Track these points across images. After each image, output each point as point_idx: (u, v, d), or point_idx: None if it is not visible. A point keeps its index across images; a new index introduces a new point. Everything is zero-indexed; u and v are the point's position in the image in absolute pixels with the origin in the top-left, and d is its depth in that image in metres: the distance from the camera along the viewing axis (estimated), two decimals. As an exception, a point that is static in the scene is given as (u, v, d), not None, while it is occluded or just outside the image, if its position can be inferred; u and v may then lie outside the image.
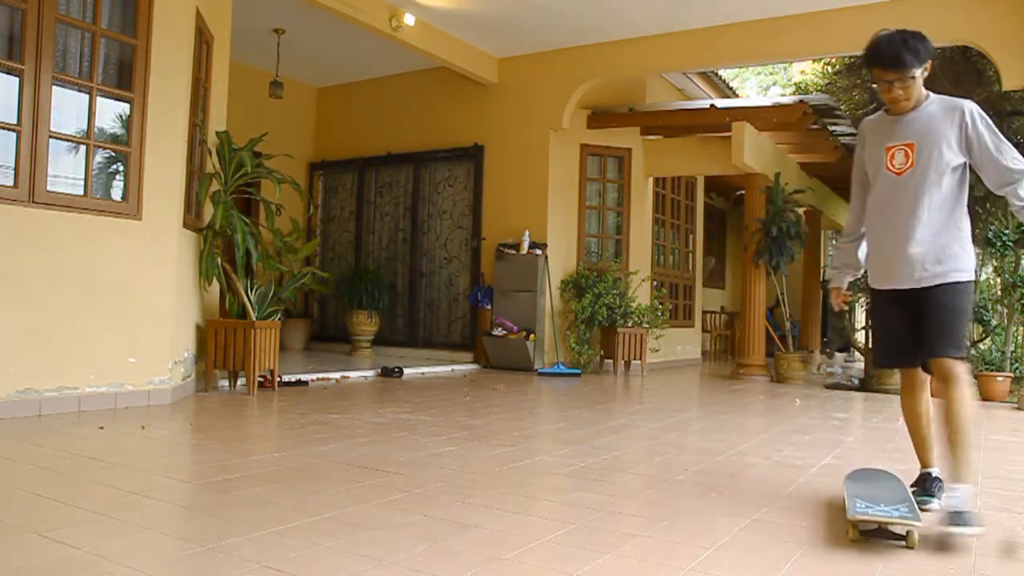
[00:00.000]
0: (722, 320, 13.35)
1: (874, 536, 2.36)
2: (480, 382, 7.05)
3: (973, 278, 2.69)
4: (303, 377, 6.36)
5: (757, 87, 16.88)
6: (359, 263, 9.94)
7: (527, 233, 8.50)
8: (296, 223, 6.38)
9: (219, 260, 5.49)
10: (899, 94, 2.72)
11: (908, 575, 2.07)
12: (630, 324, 8.31)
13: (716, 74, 10.97)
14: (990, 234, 8.05)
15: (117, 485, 2.75)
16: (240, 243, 5.36)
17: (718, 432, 4.50)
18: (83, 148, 4.48)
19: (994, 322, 8.10)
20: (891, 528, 2.37)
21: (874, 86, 2.85)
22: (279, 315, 5.76)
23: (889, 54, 2.78)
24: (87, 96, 4.45)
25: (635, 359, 8.40)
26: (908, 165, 2.70)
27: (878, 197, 2.79)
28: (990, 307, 8.18)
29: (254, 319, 5.44)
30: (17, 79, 4.09)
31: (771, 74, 16.51)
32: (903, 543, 2.31)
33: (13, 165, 4.09)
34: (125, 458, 3.27)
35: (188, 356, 5.26)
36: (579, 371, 8.08)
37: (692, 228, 11.08)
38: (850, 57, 9.38)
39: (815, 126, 8.54)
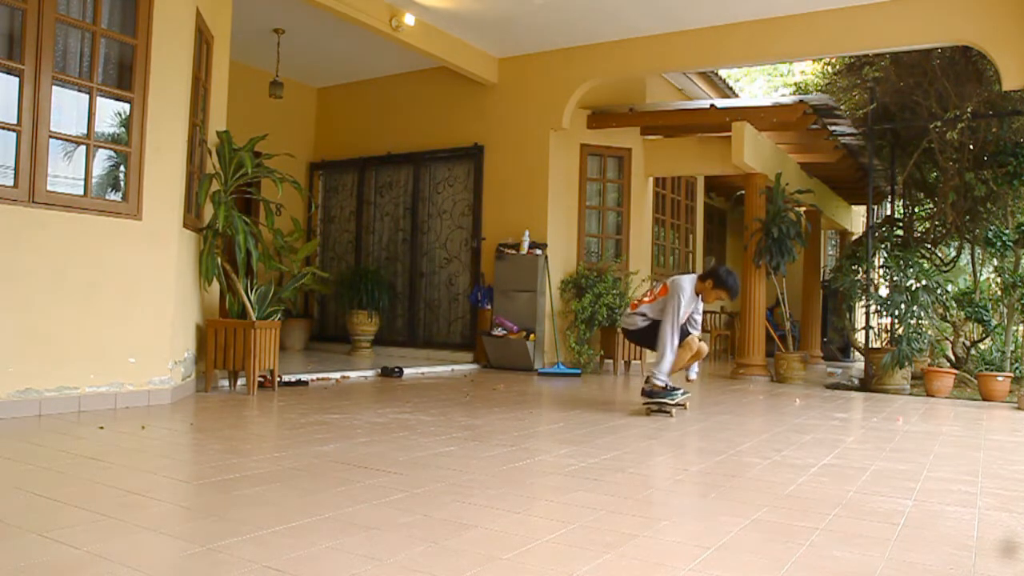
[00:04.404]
0: (722, 320, 13.34)
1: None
2: (480, 382, 7.05)
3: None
4: (303, 377, 6.36)
5: (766, 86, 16.84)
6: (359, 263, 9.95)
7: (527, 233, 8.50)
8: (296, 223, 6.38)
9: (219, 260, 5.49)
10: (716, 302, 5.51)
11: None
12: (630, 324, 8.30)
13: (716, 74, 10.98)
14: (990, 234, 8.06)
15: (117, 485, 2.75)
16: (241, 243, 5.35)
17: (718, 432, 4.50)
18: (83, 148, 4.48)
19: (994, 322, 8.10)
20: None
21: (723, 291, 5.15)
22: (279, 315, 5.76)
23: (737, 291, 5.23)
24: (87, 96, 4.45)
25: (635, 359, 8.41)
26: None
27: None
28: (990, 307, 8.17)
29: (254, 319, 5.44)
30: (17, 79, 4.09)
31: (780, 75, 16.49)
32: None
33: (13, 165, 4.09)
34: (125, 458, 3.27)
35: (188, 356, 5.26)
36: (579, 371, 8.07)
37: (692, 228, 11.09)
38: (850, 57, 9.38)
39: (815, 126, 8.54)
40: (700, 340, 5.36)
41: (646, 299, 5.43)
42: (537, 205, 8.70)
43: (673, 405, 5.18)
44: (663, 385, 5.14)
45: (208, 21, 5.55)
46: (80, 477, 2.86)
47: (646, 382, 5.30)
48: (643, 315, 5.37)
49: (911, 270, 7.67)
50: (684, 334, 5.29)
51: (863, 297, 8.38)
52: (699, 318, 5.45)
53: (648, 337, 5.39)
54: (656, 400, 5.17)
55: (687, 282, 5.25)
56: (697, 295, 5.26)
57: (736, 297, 5.36)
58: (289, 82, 9.51)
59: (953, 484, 3.23)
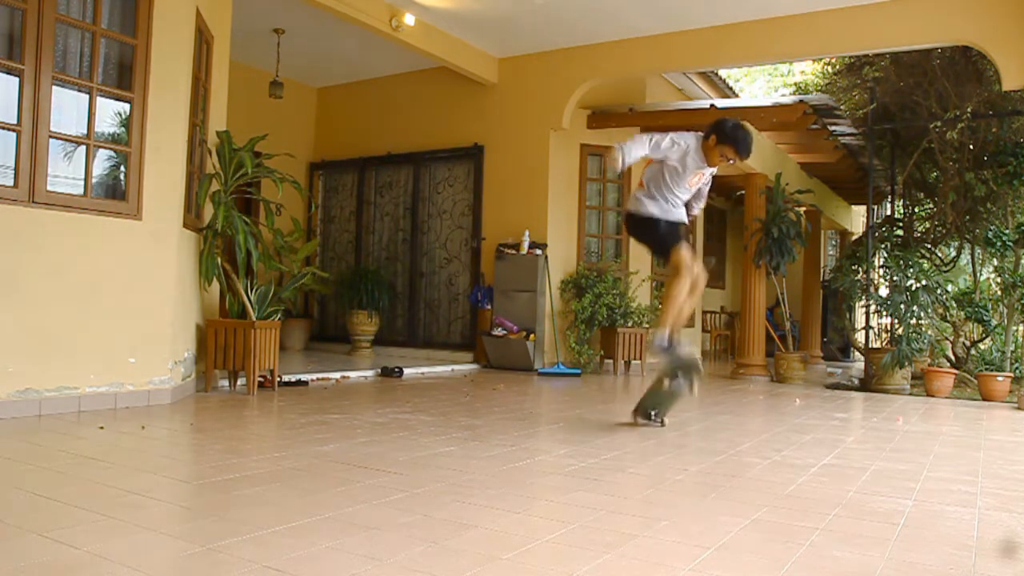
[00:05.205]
0: (722, 320, 13.34)
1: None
2: (480, 382, 7.05)
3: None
4: (303, 377, 6.36)
5: (766, 87, 16.86)
6: (359, 263, 9.95)
7: (527, 233, 8.50)
8: (296, 223, 6.38)
9: (219, 260, 5.49)
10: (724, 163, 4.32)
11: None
12: (630, 324, 8.31)
13: (716, 74, 10.97)
14: (990, 234, 8.06)
15: (117, 485, 2.75)
16: (241, 243, 5.35)
17: (718, 432, 4.50)
18: (83, 148, 4.48)
19: (994, 322, 8.10)
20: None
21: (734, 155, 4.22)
22: (279, 315, 5.76)
23: (748, 146, 4.18)
24: (87, 96, 4.45)
25: (635, 359, 8.41)
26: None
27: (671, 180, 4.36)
28: (990, 307, 8.18)
29: (254, 319, 5.44)
30: (17, 79, 4.09)
31: (780, 75, 16.51)
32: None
33: (13, 165, 4.09)
34: (125, 458, 3.27)
35: (188, 356, 5.26)
36: (579, 371, 8.08)
37: (691, 228, 11.09)
38: (850, 57, 9.38)
39: (815, 126, 8.54)
40: (693, 266, 4.25)
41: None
42: (537, 205, 8.69)
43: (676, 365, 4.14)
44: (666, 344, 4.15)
45: (208, 21, 5.55)
46: (80, 477, 2.86)
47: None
48: (644, 197, 4.38)
49: (911, 270, 7.68)
50: (676, 239, 4.26)
51: (863, 297, 8.38)
52: (705, 191, 4.57)
53: (653, 234, 4.39)
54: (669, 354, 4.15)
55: (692, 136, 4.34)
56: (704, 162, 4.35)
57: (747, 155, 4.23)
58: (289, 82, 9.50)
59: (953, 484, 3.23)
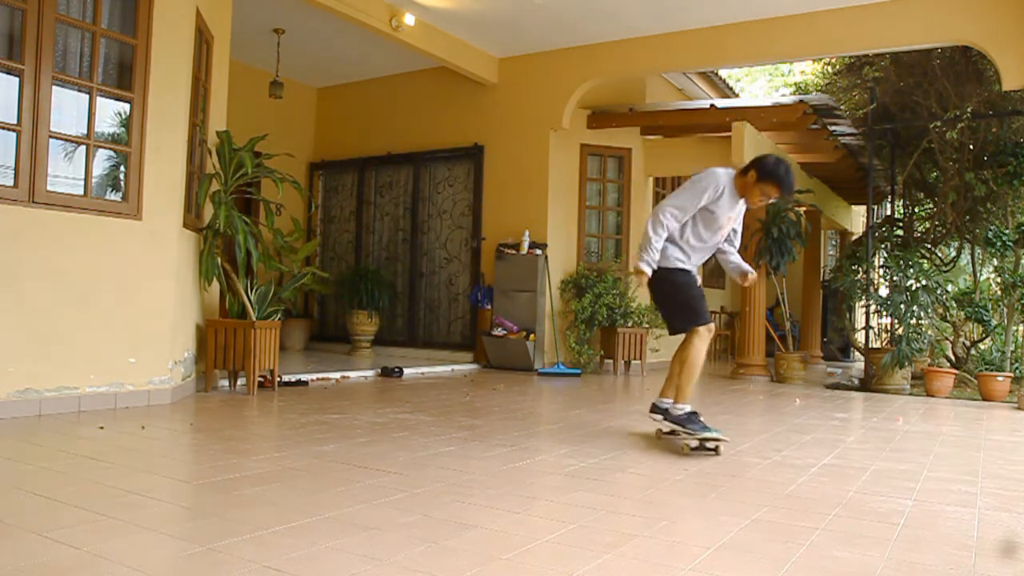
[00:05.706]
0: (722, 320, 13.34)
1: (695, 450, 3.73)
2: (480, 382, 7.05)
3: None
4: (303, 377, 6.36)
5: (766, 86, 16.85)
6: (359, 263, 9.95)
7: (527, 233, 8.50)
8: (296, 223, 6.38)
9: (219, 260, 5.49)
10: (764, 203, 3.87)
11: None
12: (630, 324, 8.31)
13: (716, 74, 10.98)
14: (990, 234, 8.06)
15: (117, 485, 2.75)
16: (241, 243, 5.36)
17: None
18: (83, 148, 4.48)
19: (994, 322, 8.10)
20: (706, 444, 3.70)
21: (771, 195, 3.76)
22: (279, 315, 5.76)
23: (791, 184, 3.74)
24: (87, 96, 4.46)
25: (635, 359, 8.40)
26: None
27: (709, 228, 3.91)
28: (990, 307, 8.17)
29: (254, 319, 5.44)
30: (17, 79, 4.09)
31: (780, 75, 16.51)
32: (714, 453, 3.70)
33: (13, 165, 4.09)
34: (125, 458, 3.27)
35: (188, 356, 5.26)
36: (579, 371, 8.07)
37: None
38: (850, 57, 9.38)
39: (815, 126, 8.54)
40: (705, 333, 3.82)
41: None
42: (537, 205, 8.69)
43: (701, 441, 3.72)
44: (681, 412, 3.84)
45: (208, 21, 5.55)
46: (80, 477, 2.86)
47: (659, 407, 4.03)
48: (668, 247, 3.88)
49: (911, 270, 7.67)
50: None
51: (863, 297, 8.38)
52: (739, 229, 4.17)
53: (663, 297, 3.98)
54: (676, 424, 3.84)
55: (723, 173, 3.78)
56: (740, 198, 3.85)
57: (790, 194, 3.86)
58: (289, 82, 9.50)
59: (953, 484, 3.23)
